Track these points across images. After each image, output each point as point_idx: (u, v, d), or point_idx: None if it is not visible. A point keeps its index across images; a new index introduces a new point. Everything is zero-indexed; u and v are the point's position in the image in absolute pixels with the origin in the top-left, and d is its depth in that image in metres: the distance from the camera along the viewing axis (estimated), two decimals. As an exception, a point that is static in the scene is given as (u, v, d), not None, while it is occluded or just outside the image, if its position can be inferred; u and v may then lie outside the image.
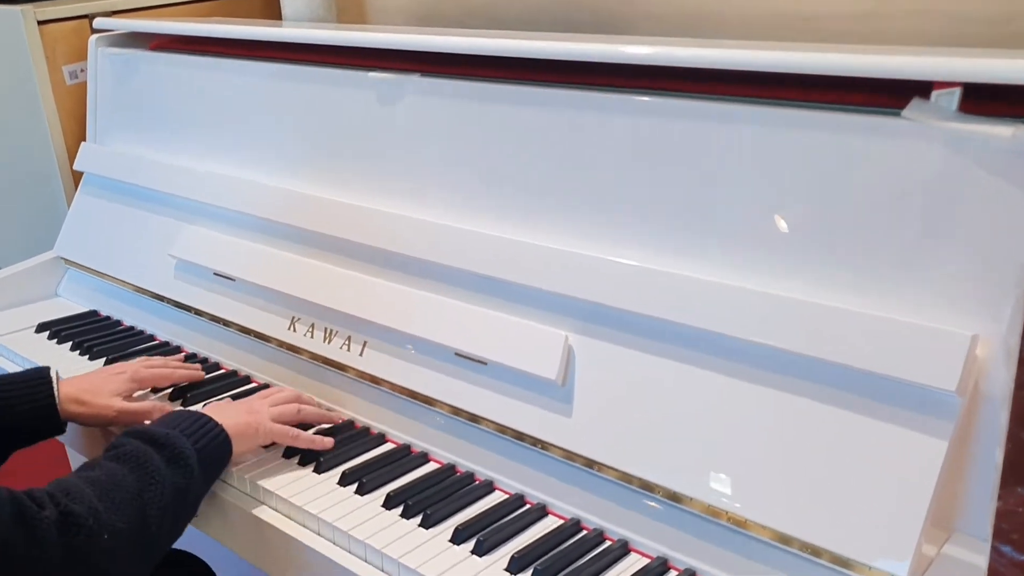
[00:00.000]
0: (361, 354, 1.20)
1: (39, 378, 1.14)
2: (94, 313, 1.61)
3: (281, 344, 1.30)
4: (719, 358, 0.92)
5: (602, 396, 0.99)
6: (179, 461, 0.94)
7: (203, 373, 1.31)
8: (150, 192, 1.56)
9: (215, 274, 1.40)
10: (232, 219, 1.42)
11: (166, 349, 1.45)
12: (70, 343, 1.47)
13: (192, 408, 1.07)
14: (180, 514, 0.93)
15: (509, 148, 1.12)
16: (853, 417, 0.84)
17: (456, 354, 1.10)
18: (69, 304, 1.66)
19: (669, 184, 0.98)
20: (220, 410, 1.08)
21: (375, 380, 1.18)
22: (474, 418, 1.08)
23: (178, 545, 1.02)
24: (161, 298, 1.50)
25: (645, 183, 1.00)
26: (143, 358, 1.32)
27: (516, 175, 1.11)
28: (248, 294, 1.36)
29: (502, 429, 1.05)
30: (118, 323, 1.57)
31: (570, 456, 0.99)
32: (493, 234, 1.10)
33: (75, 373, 1.23)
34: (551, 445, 1.01)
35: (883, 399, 0.82)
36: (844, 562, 0.81)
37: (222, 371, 1.36)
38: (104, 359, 1.40)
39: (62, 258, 1.69)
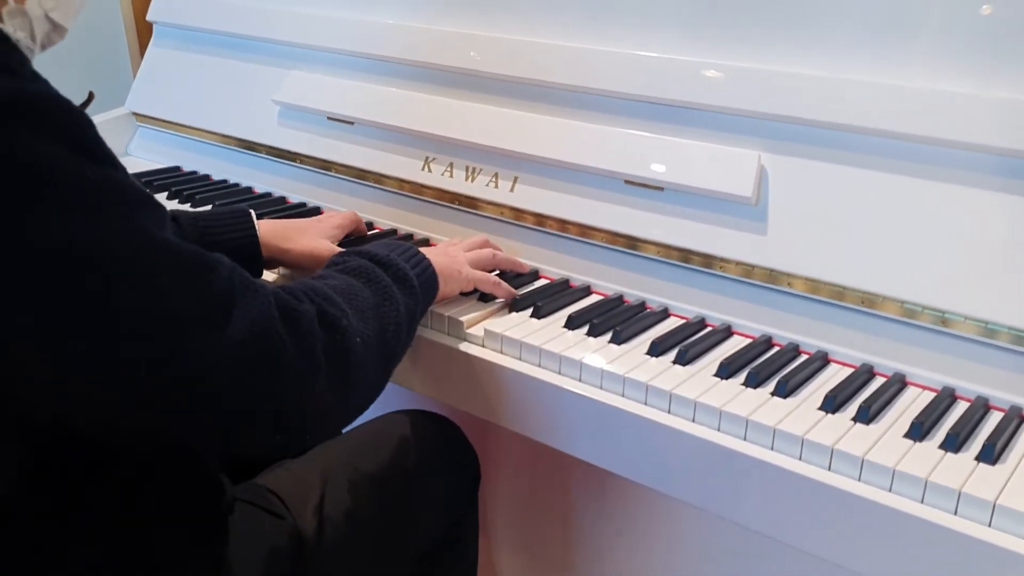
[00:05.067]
0: (512, 190, 1.18)
1: (241, 212, 1.09)
2: (177, 169, 1.55)
3: (411, 186, 1.27)
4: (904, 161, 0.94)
5: (795, 212, 0.99)
6: (405, 283, 0.90)
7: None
8: (242, 40, 1.49)
9: (329, 118, 1.36)
10: (341, 62, 1.37)
11: (269, 200, 1.41)
12: (165, 193, 1.41)
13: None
14: (405, 337, 0.88)
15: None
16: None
17: (626, 182, 1.09)
18: (142, 162, 1.59)
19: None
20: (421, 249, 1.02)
21: (521, 215, 1.16)
22: (633, 244, 1.08)
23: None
24: (255, 147, 1.45)
25: None
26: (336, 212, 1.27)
27: None
28: (370, 137, 1.32)
29: (683, 256, 1.05)
30: (206, 177, 1.51)
31: (748, 272, 1.00)
32: (648, 55, 1.09)
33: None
34: (729, 263, 1.01)
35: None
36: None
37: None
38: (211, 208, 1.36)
39: (134, 114, 1.62)
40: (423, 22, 1.29)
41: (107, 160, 0.66)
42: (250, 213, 1.08)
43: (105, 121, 1.61)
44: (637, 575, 1.39)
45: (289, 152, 1.41)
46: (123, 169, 0.69)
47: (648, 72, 1.08)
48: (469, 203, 1.22)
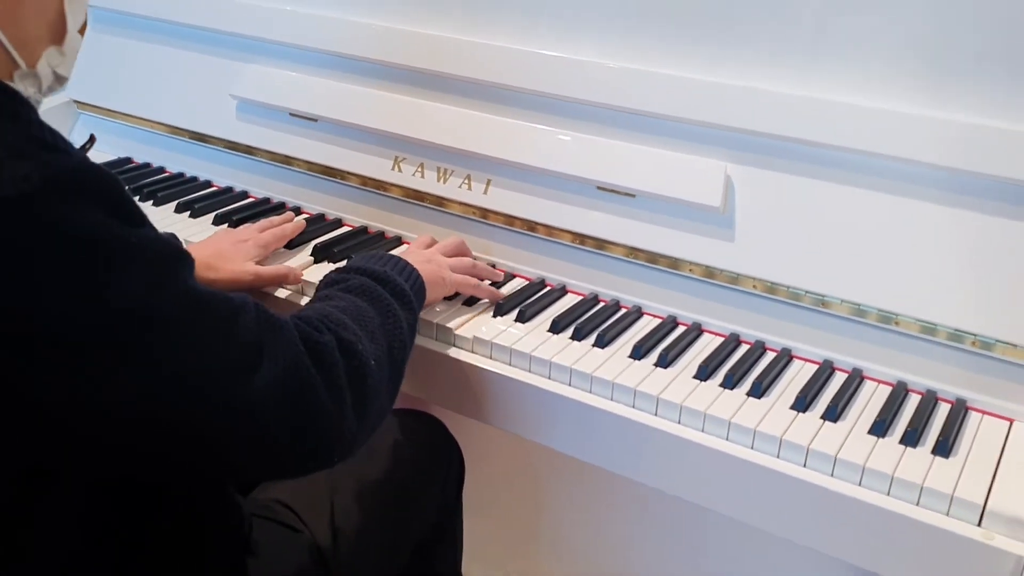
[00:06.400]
0: (485, 193, 1.22)
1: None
2: (128, 160, 1.53)
3: (376, 183, 1.29)
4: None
5: (760, 220, 1.07)
6: (403, 297, 0.93)
7: (304, 222, 1.27)
8: (193, 30, 1.46)
9: (292, 115, 1.36)
10: (300, 57, 1.37)
11: (231, 195, 1.41)
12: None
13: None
14: (408, 352, 0.91)
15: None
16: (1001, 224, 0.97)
17: (599, 188, 1.15)
18: (88, 153, 1.56)
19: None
20: (403, 256, 1.04)
21: (489, 214, 1.21)
22: (601, 245, 1.15)
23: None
24: (208, 139, 1.44)
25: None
26: (261, 222, 1.24)
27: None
28: (336, 135, 1.33)
29: (651, 258, 1.12)
30: (161, 169, 1.50)
31: (714, 275, 1.08)
32: (622, 66, 1.14)
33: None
34: (697, 266, 1.09)
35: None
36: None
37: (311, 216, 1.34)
38: (174, 204, 1.35)
39: (76, 102, 1.58)
40: (392, 22, 1.30)
41: (141, 220, 0.69)
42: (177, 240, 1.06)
43: (46, 110, 1.56)
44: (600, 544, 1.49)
45: (247, 146, 1.41)
46: (150, 224, 0.71)
47: (622, 83, 1.13)
48: (437, 201, 1.26)
